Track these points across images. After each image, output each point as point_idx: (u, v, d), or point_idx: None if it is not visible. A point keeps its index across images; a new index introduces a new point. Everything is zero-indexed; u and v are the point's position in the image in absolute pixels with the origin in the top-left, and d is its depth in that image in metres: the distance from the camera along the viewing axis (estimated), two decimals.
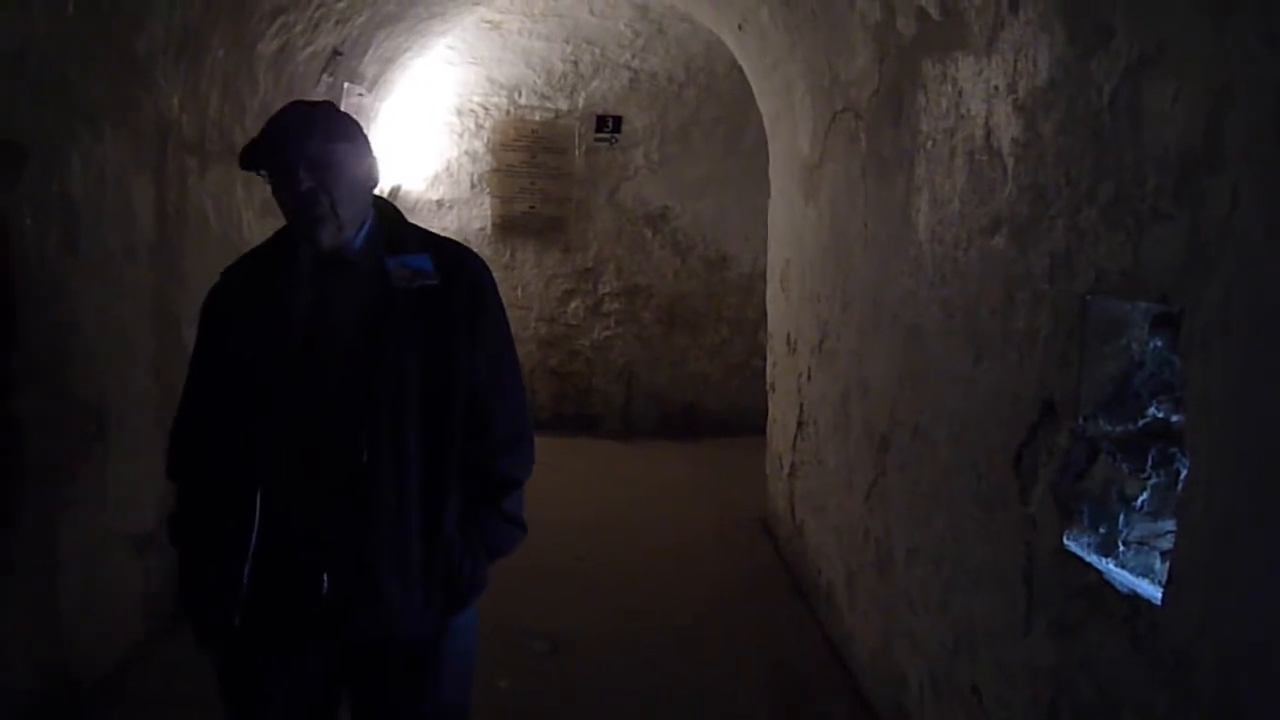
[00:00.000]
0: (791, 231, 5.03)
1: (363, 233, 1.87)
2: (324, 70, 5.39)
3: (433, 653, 1.94)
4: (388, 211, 1.98)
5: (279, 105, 4.98)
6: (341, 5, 5.03)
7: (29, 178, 2.91)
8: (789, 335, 5.08)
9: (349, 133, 1.85)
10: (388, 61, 6.40)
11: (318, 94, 5.48)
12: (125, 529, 3.51)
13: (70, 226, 3.18)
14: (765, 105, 5.60)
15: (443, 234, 2.11)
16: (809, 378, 4.59)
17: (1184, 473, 1.70)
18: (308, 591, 1.78)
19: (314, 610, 1.79)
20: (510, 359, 2.03)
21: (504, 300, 2.05)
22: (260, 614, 1.81)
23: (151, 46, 3.63)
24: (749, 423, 6.78)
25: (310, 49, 5.08)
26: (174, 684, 1.92)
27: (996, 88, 2.40)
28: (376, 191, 1.95)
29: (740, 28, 5.30)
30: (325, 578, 1.78)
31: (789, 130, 4.99)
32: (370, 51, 5.98)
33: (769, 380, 5.70)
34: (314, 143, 1.76)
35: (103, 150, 3.36)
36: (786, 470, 5.05)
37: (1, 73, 2.77)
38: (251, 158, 1.80)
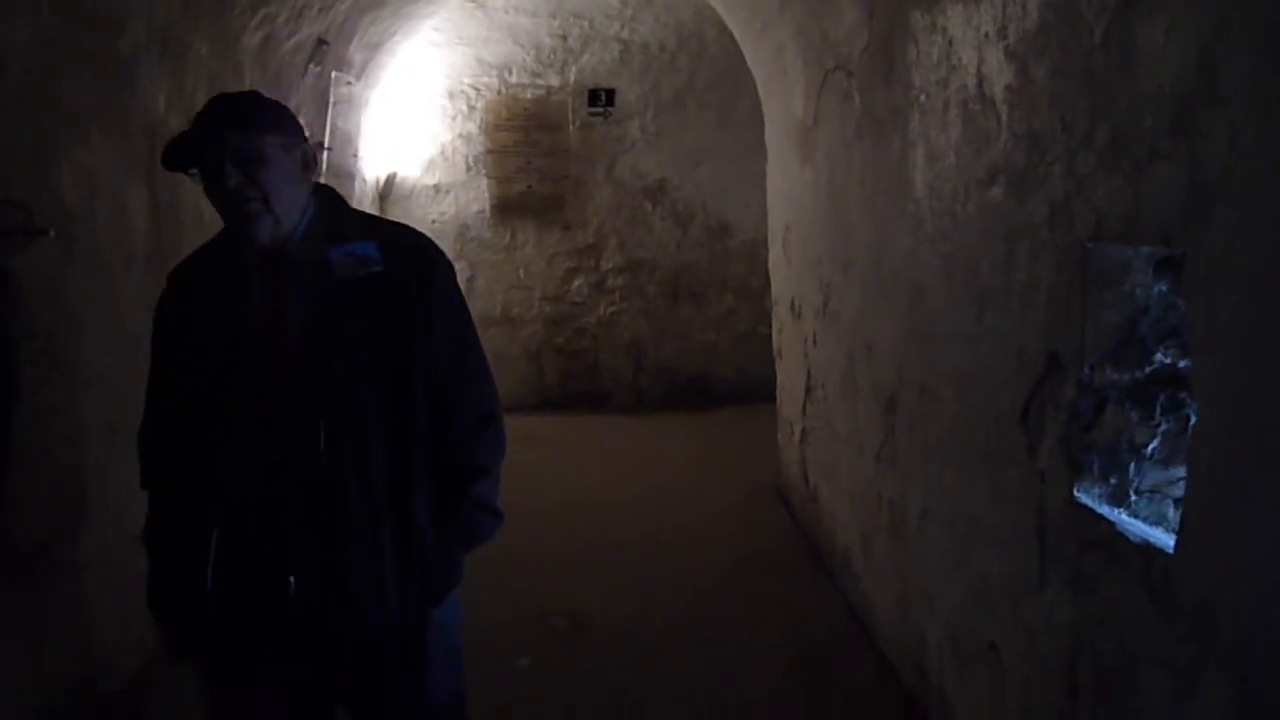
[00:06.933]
0: (790, 196, 4.98)
1: (303, 224, 1.81)
2: (310, 60, 5.35)
3: (417, 651, 1.91)
4: (329, 200, 1.92)
5: None
6: None
7: (20, 187, 2.89)
8: (793, 300, 5.04)
9: (277, 122, 1.78)
10: (375, 47, 6.35)
11: (305, 84, 5.44)
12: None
13: (65, 236, 3.16)
14: (758, 69, 5.53)
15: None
16: (815, 342, 4.56)
17: (1193, 418, 1.67)
18: (275, 593, 1.75)
19: (284, 612, 1.76)
20: (471, 342, 1.97)
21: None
22: (232, 620, 1.79)
23: (134, 47, 3.59)
24: (760, 391, 6.75)
25: (295, 39, 5.03)
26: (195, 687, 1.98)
27: (987, 35, 2.36)
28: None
29: None
30: (292, 579, 1.75)
31: (782, 93, 4.93)
32: (356, 38, 5.92)
33: (775, 347, 5.67)
34: (238, 136, 1.70)
35: (92, 156, 3.33)
36: (798, 437, 5.03)
37: None
38: (174, 157, 1.72)
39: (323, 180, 5.03)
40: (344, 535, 1.77)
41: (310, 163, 1.83)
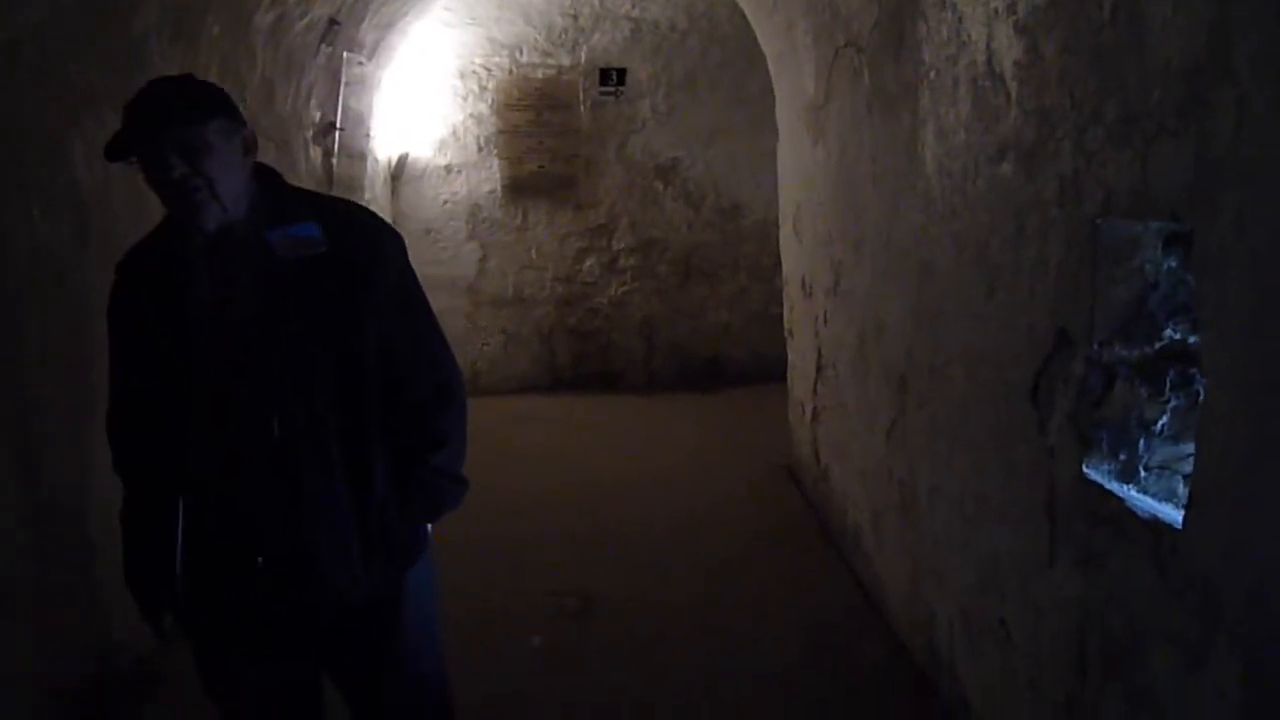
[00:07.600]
0: (801, 174, 4.96)
1: (246, 207, 1.78)
2: (322, 40, 5.35)
3: (390, 620, 1.94)
4: (271, 180, 1.89)
5: (278, 79, 4.88)
6: None
7: (34, 167, 2.91)
8: (804, 279, 5.04)
9: (218, 107, 1.74)
10: (386, 27, 6.34)
11: (317, 65, 5.44)
12: None
13: (79, 216, 3.18)
14: (768, 47, 5.51)
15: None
16: (825, 321, 4.56)
17: (1202, 394, 1.67)
18: (243, 574, 1.79)
19: (253, 593, 1.80)
20: (424, 318, 1.96)
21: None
22: (204, 616, 1.84)
23: (146, 28, 3.60)
24: (772, 371, 6.74)
25: (307, 19, 5.03)
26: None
27: (996, 10, 2.34)
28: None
29: None
30: (260, 559, 1.79)
31: (793, 71, 4.91)
32: (368, 18, 5.92)
33: (787, 326, 5.67)
34: (181, 124, 1.66)
35: (106, 136, 3.34)
36: (809, 416, 5.03)
37: None
38: (118, 148, 1.68)
39: (335, 161, 5.06)
40: (305, 514, 1.79)
41: (251, 146, 1.80)
